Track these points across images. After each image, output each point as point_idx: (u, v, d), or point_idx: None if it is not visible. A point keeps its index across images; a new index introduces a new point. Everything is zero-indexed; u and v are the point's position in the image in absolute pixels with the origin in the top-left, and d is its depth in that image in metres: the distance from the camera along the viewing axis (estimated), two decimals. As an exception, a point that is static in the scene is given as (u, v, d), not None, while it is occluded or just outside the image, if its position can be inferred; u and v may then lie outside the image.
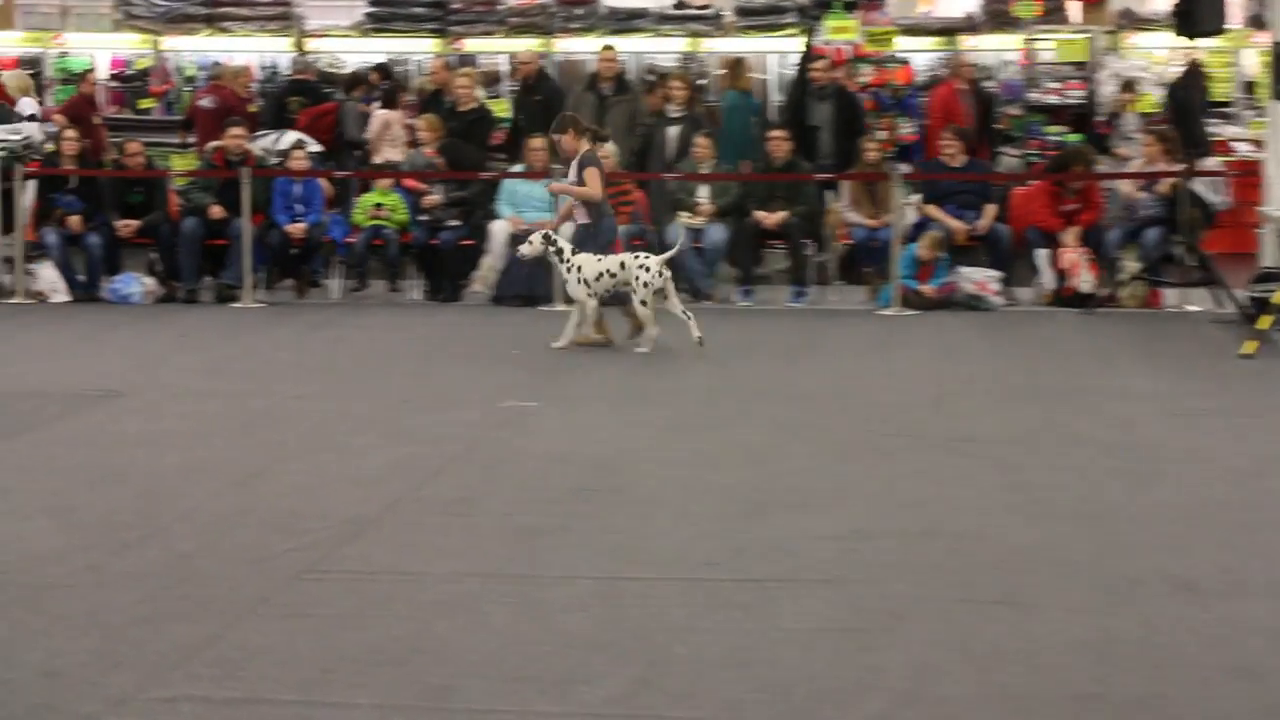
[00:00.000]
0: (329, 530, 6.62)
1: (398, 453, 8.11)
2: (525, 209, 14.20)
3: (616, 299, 11.64)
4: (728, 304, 14.22)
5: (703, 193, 14.41)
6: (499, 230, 14.18)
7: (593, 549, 6.39)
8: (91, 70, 19.78)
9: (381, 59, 19.21)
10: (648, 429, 8.78)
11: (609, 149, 14.25)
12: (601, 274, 11.50)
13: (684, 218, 14.24)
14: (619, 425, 8.89)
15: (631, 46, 18.84)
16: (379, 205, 14.43)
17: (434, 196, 14.50)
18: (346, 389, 10.11)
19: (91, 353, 11.52)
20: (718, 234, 14.22)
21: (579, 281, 11.50)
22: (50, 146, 15.65)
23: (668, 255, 11.66)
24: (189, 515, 6.88)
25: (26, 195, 14.32)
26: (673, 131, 15.15)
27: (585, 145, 11.77)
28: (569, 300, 11.89)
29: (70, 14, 21.28)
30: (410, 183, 14.62)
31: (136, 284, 14.01)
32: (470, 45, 19.47)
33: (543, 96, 15.76)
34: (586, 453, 8.13)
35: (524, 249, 11.76)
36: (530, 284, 13.93)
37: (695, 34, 19.55)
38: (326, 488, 7.39)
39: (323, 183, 14.69)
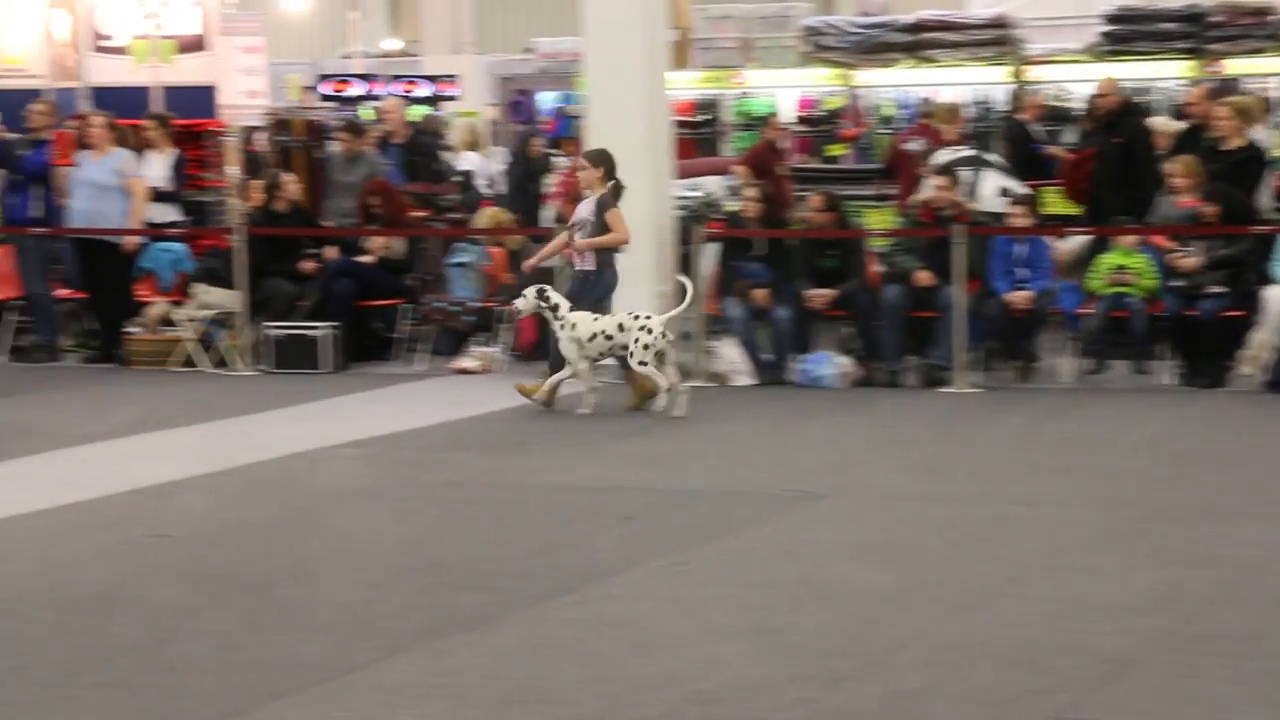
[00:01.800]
0: (1081, 669, 6.60)
1: (1159, 575, 8.00)
2: (1308, 270, 13.73)
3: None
4: None
5: None
6: (1275, 298, 13.77)
7: None
8: (775, 113, 20.77)
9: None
10: None
11: None
12: (596, 335, 12.94)
13: None
14: None
15: None
16: (1121, 268, 14.32)
17: (1190, 257, 14.25)
18: (1087, 494, 10.07)
19: (782, 446, 12.01)
20: None
21: (571, 341, 12.92)
22: (732, 204, 16.51)
23: (670, 315, 13.04)
24: (909, 644, 7.04)
25: (706, 260, 15.11)
26: None
27: (602, 188, 13.38)
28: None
29: (752, 48, 22.42)
30: (1161, 240, 14.43)
31: (830, 364, 14.49)
32: (1233, 67, 19.09)
33: (1125, 137, 15.26)
34: None
35: (518, 303, 13.39)
36: (1317, 366, 13.44)
37: None
38: (1073, 616, 7.37)
39: (1052, 241, 14.74)
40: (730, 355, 14.70)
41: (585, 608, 7.67)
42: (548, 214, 18.37)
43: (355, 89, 26.43)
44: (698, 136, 22.14)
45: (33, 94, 18.72)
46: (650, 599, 7.84)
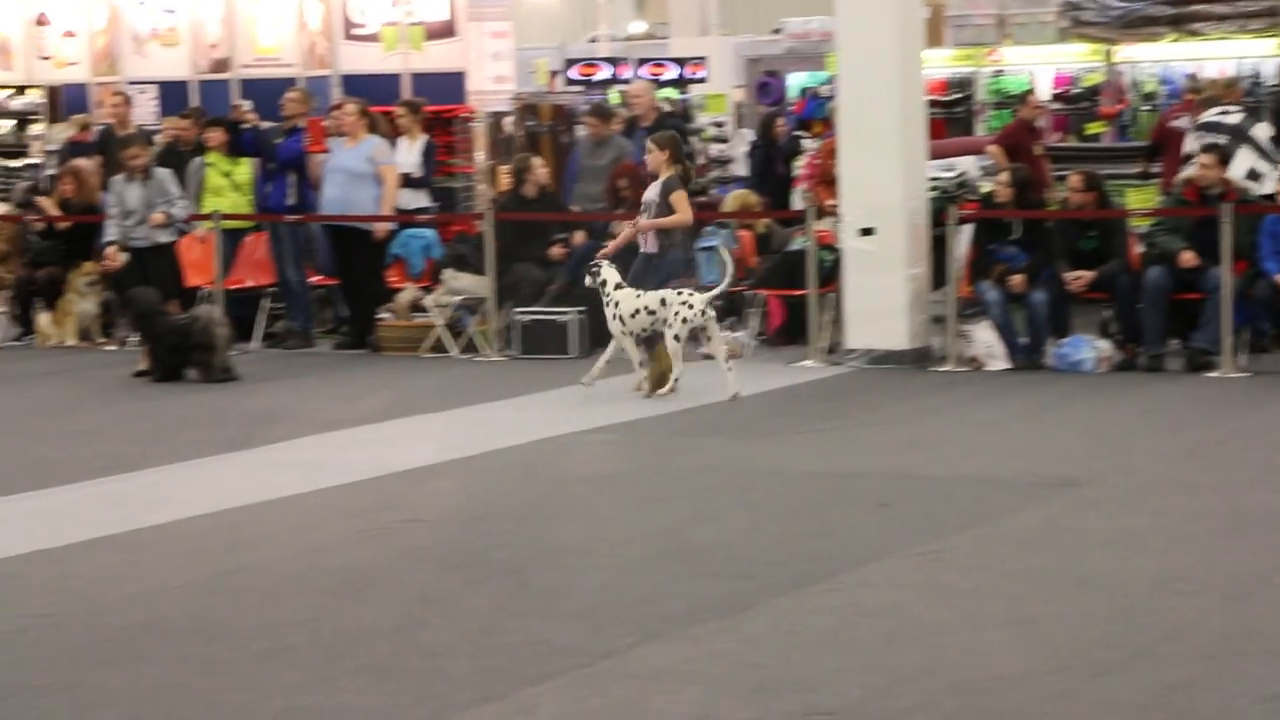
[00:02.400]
0: (1368, 665, 6.46)
1: None
2: None
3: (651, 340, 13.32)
4: None
5: None
6: None
7: None
8: (1031, 91, 20.49)
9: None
10: None
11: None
12: (638, 310, 13.22)
13: None
14: None
15: None
16: (1398, 247, 13.91)
17: None
18: (1363, 483, 9.85)
19: (1039, 432, 11.87)
20: None
21: (614, 318, 13.31)
22: (986, 186, 16.34)
23: (715, 293, 13.29)
24: (1176, 635, 6.93)
25: (961, 243, 14.99)
26: None
27: (670, 170, 13.64)
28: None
29: (1008, 24, 22.17)
30: None
31: (1088, 348, 14.28)
32: None
33: None
34: None
35: (587, 279, 13.63)
36: None
37: None
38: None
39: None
40: (985, 339, 14.54)
41: (840, 595, 7.66)
42: (796, 197, 18.36)
43: (602, 73, 26.63)
44: (950, 116, 21.93)
45: (286, 83, 19.17)
46: (906, 587, 7.81)
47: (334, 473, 10.68)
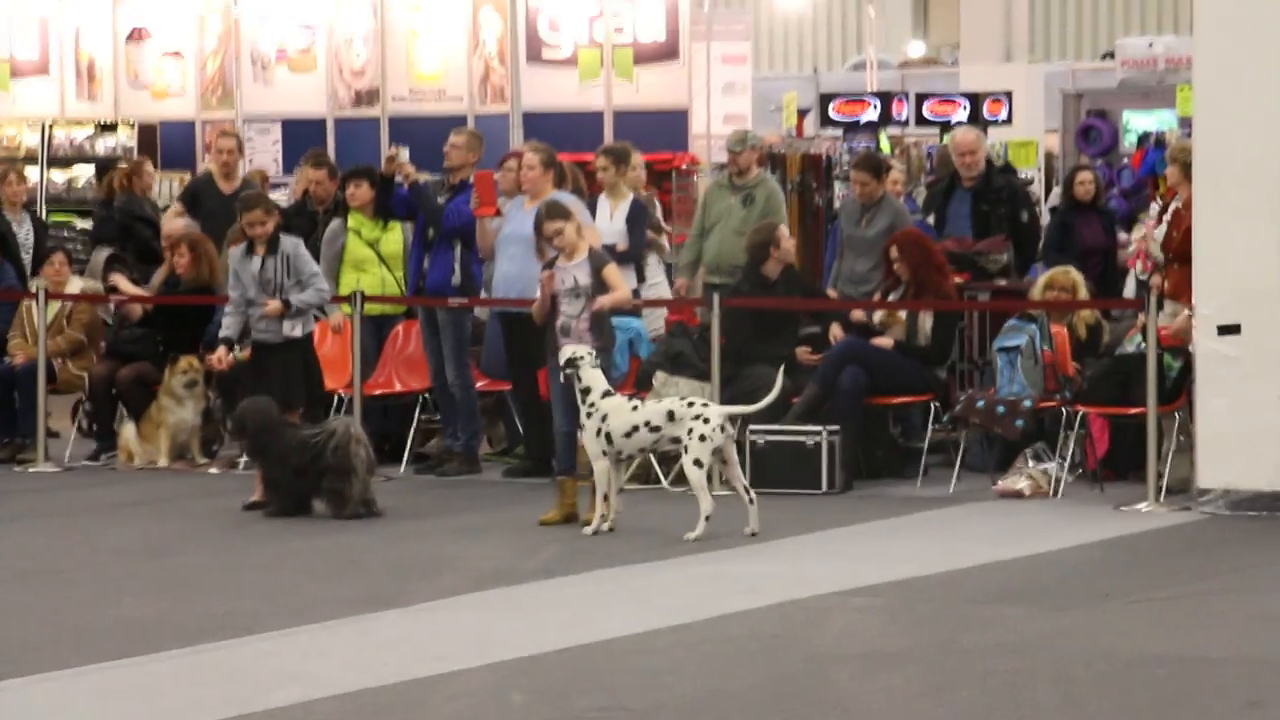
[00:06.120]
0: None
1: None
2: None
3: None
4: None
5: None
6: None
7: None
8: None
9: None
10: None
11: None
12: (637, 427, 13.68)
13: None
14: None
15: None
16: None
17: None
18: None
19: None
20: None
21: (598, 434, 13.66)
22: None
23: (741, 410, 14.04)
24: None
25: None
26: None
27: (584, 246, 14.30)
28: None
29: None
30: None
31: None
32: None
33: None
34: None
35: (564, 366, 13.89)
36: None
37: None
38: None
39: None
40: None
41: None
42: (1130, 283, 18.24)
43: (869, 112, 26.69)
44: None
45: (453, 122, 19.42)
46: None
47: (508, 642, 10.74)
